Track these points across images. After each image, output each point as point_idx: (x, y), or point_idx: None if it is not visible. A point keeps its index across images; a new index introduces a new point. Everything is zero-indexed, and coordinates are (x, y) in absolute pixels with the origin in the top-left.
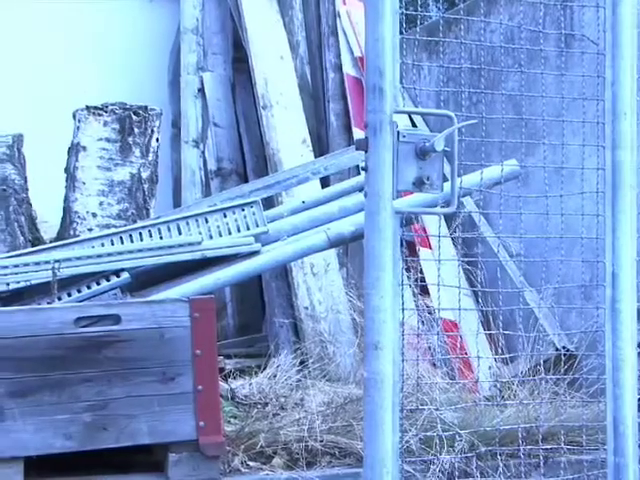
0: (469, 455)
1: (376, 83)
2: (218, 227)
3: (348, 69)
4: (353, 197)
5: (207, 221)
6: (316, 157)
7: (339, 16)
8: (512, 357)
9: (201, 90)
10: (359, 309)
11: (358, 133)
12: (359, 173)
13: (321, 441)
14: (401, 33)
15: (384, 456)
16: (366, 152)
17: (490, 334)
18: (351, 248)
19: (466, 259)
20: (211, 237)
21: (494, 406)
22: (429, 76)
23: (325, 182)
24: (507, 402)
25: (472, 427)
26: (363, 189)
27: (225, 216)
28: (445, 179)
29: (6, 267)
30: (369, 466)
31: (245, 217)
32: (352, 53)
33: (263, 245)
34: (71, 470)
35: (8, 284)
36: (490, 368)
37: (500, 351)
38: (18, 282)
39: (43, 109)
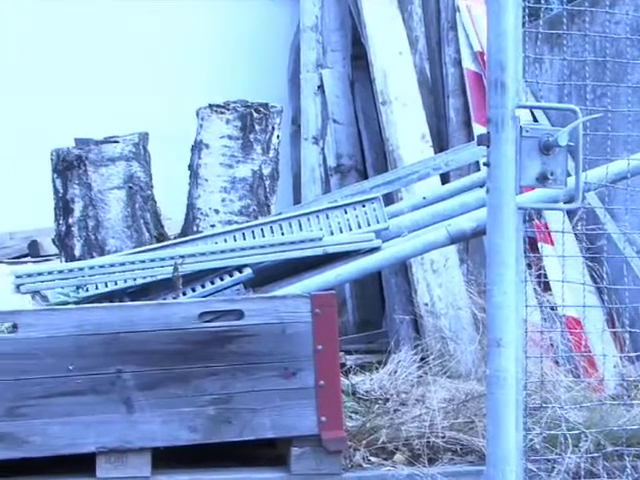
0: (595, 455)
1: (498, 78)
2: (339, 223)
3: (468, 64)
4: (474, 193)
5: (328, 217)
6: (435, 153)
7: (459, 10)
8: (638, 356)
9: (320, 87)
10: (480, 306)
11: (478, 128)
12: (479, 169)
13: (442, 438)
14: (523, 26)
15: (507, 454)
16: (488, 147)
17: (615, 332)
18: (471, 244)
19: (590, 255)
20: (332, 233)
21: (620, 406)
22: (550, 70)
23: (444, 178)
24: (634, 402)
25: (598, 427)
26: (484, 185)
27: (346, 212)
28: (567, 174)
29: (133, 263)
30: (492, 464)
31: (366, 213)
32: (472, 48)
33: (383, 241)
34: (195, 462)
35: (135, 279)
36: (615, 367)
37: (626, 349)
38: (144, 277)
39: (167, 108)
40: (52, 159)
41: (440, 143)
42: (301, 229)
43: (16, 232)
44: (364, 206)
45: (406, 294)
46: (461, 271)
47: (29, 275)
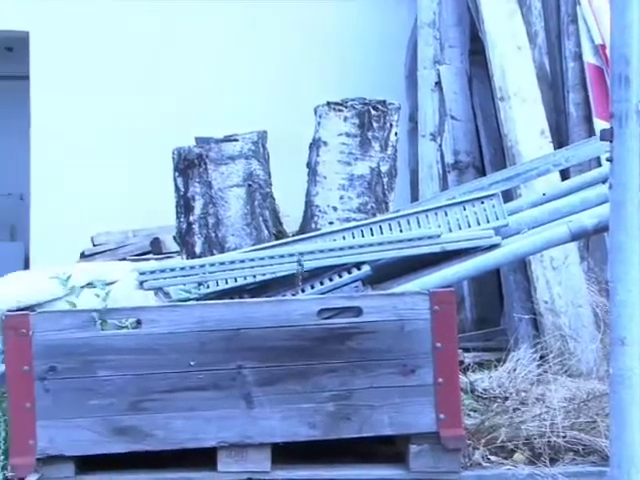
0: None
1: (622, 72)
2: (457, 220)
3: (589, 57)
4: (596, 189)
5: (446, 214)
6: (555, 149)
7: (579, 3)
8: None
9: (438, 84)
10: (601, 304)
11: (600, 123)
12: (600, 164)
13: (564, 437)
14: None
15: (633, 454)
16: (611, 142)
17: None
18: (592, 241)
19: None
20: (450, 230)
21: None
22: None
23: (564, 174)
24: None
25: None
26: (606, 180)
27: (464, 209)
28: None
29: (252, 260)
30: (616, 465)
31: (485, 210)
32: (593, 41)
33: (502, 238)
34: (314, 457)
35: (255, 276)
36: None
37: None
38: (264, 274)
39: (285, 106)
40: (173, 158)
41: (559, 139)
42: (419, 226)
43: (139, 230)
44: (483, 203)
45: (525, 291)
46: (581, 268)
47: (152, 272)
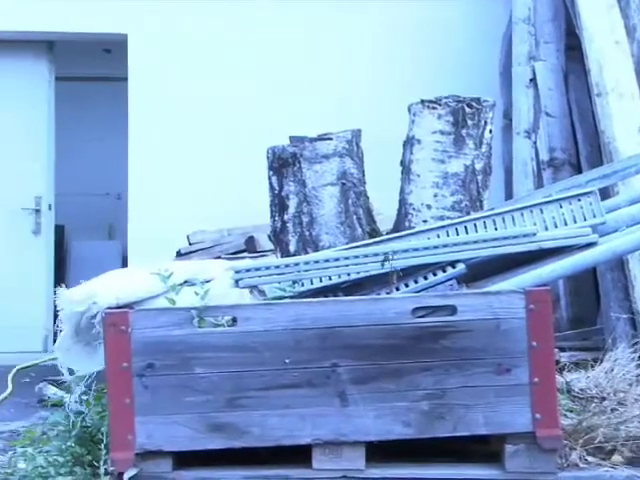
0: None
1: None
2: (553, 218)
3: None
4: None
5: (542, 212)
6: None
7: None
8: None
9: (533, 80)
10: None
11: None
12: None
13: None
14: None
15: None
16: None
17: None
18: None
19: None
20: (546, 228)
21: None
22: None
23: None
24: None
25: None
26: None
27: (561, 207)
28: None
29: (347, 258)
30: None
31: (581, 208)
32: None
33: (600, 236)
34: (407, 456)
35: (349, 274)
36: None
37: None
38: (358, 273)
39: (378, 104)
40: (268, 157)
41: None
42: (514, 224)
43: (233, 228)
44: (580, 200)
45: (623, 290)
46: None
47: (247, 270)
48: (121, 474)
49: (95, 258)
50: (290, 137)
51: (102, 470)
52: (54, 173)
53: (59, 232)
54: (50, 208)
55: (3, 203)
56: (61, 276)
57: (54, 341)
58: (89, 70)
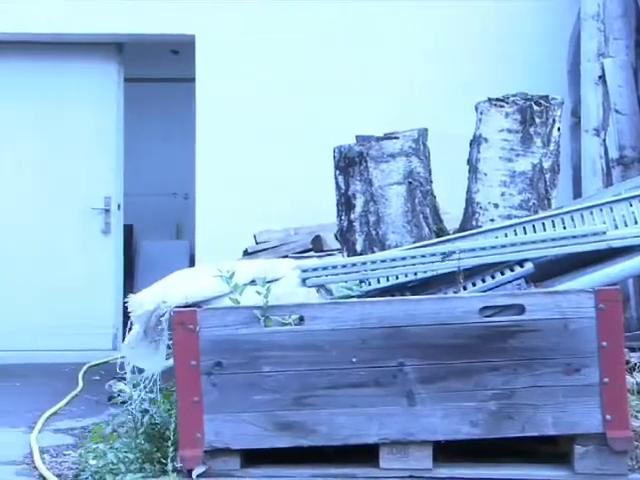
0: None
1: None
2: (623, 216)
3: None
4: None
5: (612, 210)
6: None
7: None
8: None
9: (602, 77)
10: None
11: None
12: None
13: None
14: None
15: None
16: None
17: None
18: None
19: None
20: (616, 227)
21: None
22: None
23: None
24: None
25: None
26: None
27: (631, 205)
28: None
29: (414, 257)
30: None
31: None
32: None
33: None
34: (474, 456)
35: (416, 273)
36: None
37: None
38: (425, 272)
39: (445, 102)
40: (334, 156)
41: None
42: (583, 223)
43: (300, 228)
44: None
45: None
46: None
47: (314, 269)
48: (190, 471)
49: (163, 257)
50: (356, 136)
51: (171, 467)
52: (123, 173)
53: (128, 232)
54: (119, 208)
55: (73, 203)
56: (130, 275)
57: (123, 340)
58: (157, 71)
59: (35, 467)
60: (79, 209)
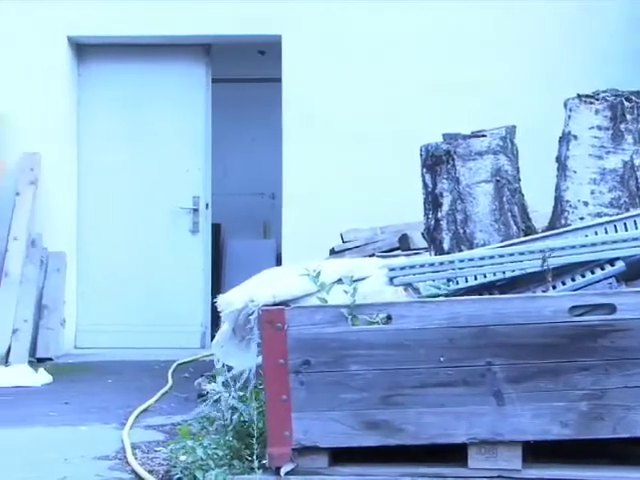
0: None
1: None
2: None
3: None
4: None
5: None
6: None
7: None
8: None
9: None
10: None
11: None
12: None
13: None
14: None
15: None
16: None
17: None
18: None
19: None
20: None
21: None
22: None
23: None
24: None
25: None
26: None
27: None
28: None
29: (502, 256)
30: None
31: None
32: None
33: None
34: (565, 457)
35: (504, 272)
36: None
37: None
38: (513, 270)
39: (533, 99)
40: (421, 155)
41: None
42: None
43: (387, 226)
44: None
45: None
46: None
47: (402, 268)
48: (278, 469)
49: (250, 256)
50: (443, 135)
51: (259, 464)
52: (211, 173)
53: (216, 231)
54: (207, 207)
55: (163, 203)
56: (217, 274)
57: (211, 338)
58: (243, 72)
59: (127, 462)
60: (168, 209)
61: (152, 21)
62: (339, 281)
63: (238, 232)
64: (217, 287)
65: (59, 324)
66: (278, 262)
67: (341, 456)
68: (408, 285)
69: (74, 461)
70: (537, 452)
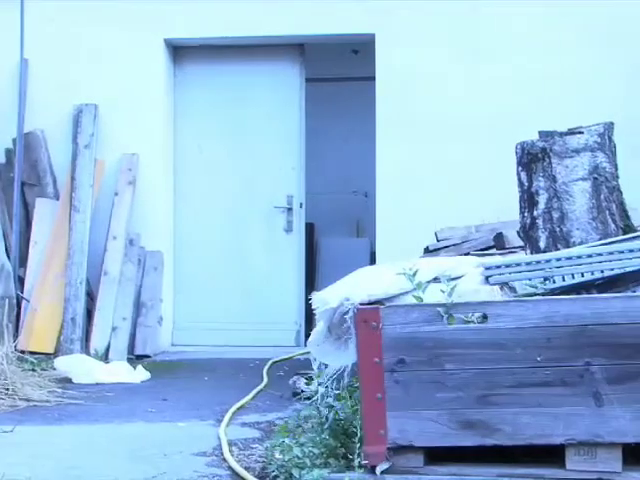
0: None
1: None
2: None
3: None
4: None
5: None
6: None
7: None
8: None
9: None
10: None
11: None
12: None
13: None
14: None
15: None
16: None
17: None
18: None
19: None
20: None
21: None
22: None
23: None
24: None
25: None
26: None
27: None
28: None
29: (600, 254)
30: None
31: None
32: None
33: None
34: None
35: (602, 271)
36: None
37: None
38: (612, 269)
39: (631, 95)
40: (517, 152)
41: None
42: None
43: (481, 225)
44: None
45: None
46: None
47: (497, 267)
48: (374, 467)
49: (343, 255)
50: (539, 132)
51: (355, 463)
52: (305, 172)
53: (309, 230)
54: (301, 206)
55: (258, 202)
56: (311, 273)
57: (306, 336)
58: (337, 71)
59: (224, 459)
60: (263, 208)
61: (247, 22)
62: (434, 280)
63: (331, 231)
64: (311, 286)
65: (156, 322)
66: (372, 261)
67: (436, 455)
68: (504, 284)
69: (173, 457)
70: (638, 454)
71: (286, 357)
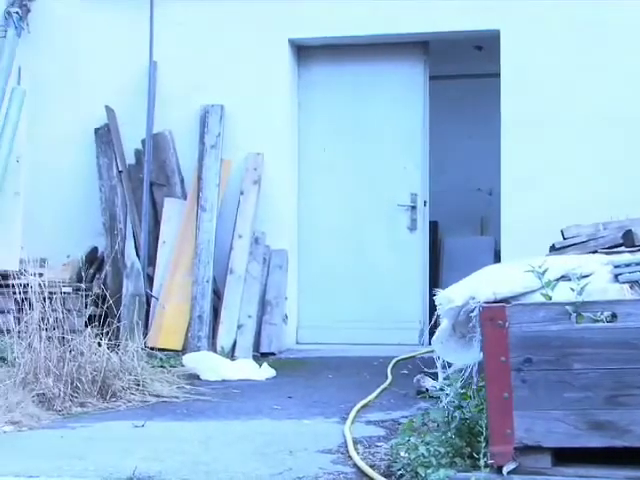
0: None
1: None
2: None
3: None
4: None
5: None
6: None
7: None
8: None
9: None
10: None
11: None
12: None
13: None
14: None
15: None
16: None
17: None
18: None
19: None
20: None
21: None
22: None
23: None
24: None
25: None
26: None
27: None
28: None
29: None
30: None
31: None
32: None
33: None
34: None
35: None
36: None
37: None
38: None
39: None
40: None
41: None
42: None
43: (609, 222)
44: None
45: None
46: None
47: (627, 265)
48: (500, 467)
49: (467, 253)
50: None
51: (482, 463)
52: (428, 170)
53: (433, 228)
54: (425, 204)
55: (381, 200)
56: (435, 272)
57: (430, 335)
58: (460, 68)
59: (349, 457)
60: (387, 206)
61: (370, 21)
62: (562, 278)
63: (455, 229)
64: (434, 285)
65: (281, 320)
66: (496, 259)
67: (562, 456)
68: (634, 282)
69: (298, 454)
70: None
71: (410, 355)
